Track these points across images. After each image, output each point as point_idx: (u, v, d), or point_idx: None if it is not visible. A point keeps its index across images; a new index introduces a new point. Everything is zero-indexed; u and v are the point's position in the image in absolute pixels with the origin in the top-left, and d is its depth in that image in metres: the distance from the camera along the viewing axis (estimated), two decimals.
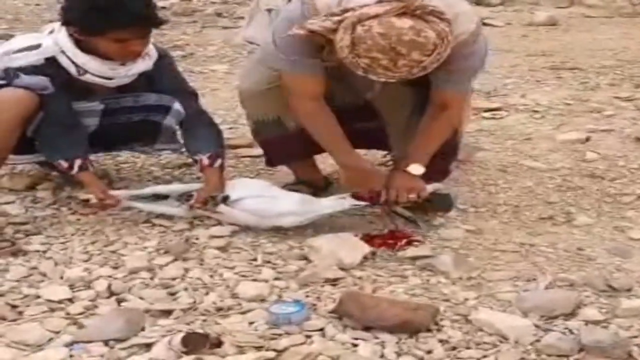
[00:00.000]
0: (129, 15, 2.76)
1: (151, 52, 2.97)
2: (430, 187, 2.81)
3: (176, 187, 3.04)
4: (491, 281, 2.46)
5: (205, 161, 2.93)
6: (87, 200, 2.90)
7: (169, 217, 2.90)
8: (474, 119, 4.10)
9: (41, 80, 2.82)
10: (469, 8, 2.71)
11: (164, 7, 8.03)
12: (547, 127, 4.27)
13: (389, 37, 2.37)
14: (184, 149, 3.19)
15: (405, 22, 2.39)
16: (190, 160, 3.32)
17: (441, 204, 2.90)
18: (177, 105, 3.02)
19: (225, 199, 2.82)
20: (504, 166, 3.58)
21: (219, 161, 2.94)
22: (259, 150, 3.49)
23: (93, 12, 2.76)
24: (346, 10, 2.46)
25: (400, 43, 2.38)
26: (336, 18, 2.45)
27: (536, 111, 4.58)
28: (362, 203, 2.79)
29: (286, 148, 3.06)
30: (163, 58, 3.05)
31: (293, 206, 2.79)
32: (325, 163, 3.35)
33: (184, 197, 2.91)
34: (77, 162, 2.89)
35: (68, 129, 2.91)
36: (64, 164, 2.90)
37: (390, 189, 2.75)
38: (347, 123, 2.85)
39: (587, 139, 3.98)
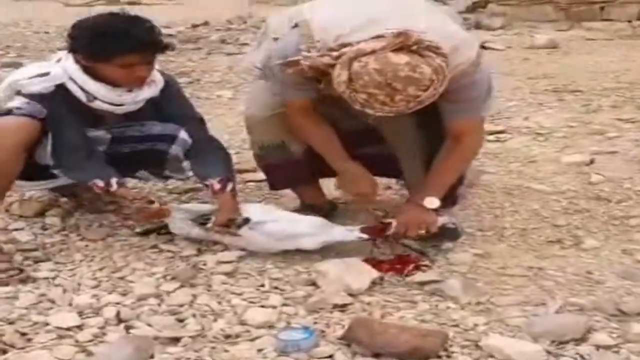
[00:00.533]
0: (133, 41, 2.75)
1: (157, 78, 2.95)
2: (440, 221, 2.79)
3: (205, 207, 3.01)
4: (500, 306, 2.42)
5: (217, 185, 2.90)
6: (152, 202, 2.84)
7: (176, 243, 2.87)
8: None
9: (35, 106, 2.80)
10: (468, 36, 2.69)
11: (170, 35, 8.08)
12: (551, 149, 4.24)
13: (384, 73, 2.36)
14: (190, 175, 3.16)
15: (402, 58, 2.38)
16: (197, 185, 3.30)
17: (448, 237, 2.86)
18: (183, 134, 2.99)
19: (247, 221, 2.77)
20: (509, 189, 3.54)
21: (230, 185, 2.91)
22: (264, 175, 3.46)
23: (98, 39, 2.75)
24: (344, 46, 2.46)
25: (396, 79, 2.36)
26: (334, 54, 2.45)
27: (539, 134, 4.56)
28: (365, 236, 2.75)
29: (291, 172, 3.05)
30: (170, 85, 3.03)
31: (311, 228, 2.77)
32: (331, 187, 3.33)
33: (199, 220, 2.88)
34: (114, 179, 2.87)
35: (90, 153, 2.90)
36: (100, 183, 2.86)
37: (400, 222, 2.73)
38: (356, 147, 2.84)
39: (592, 162, 3.95)
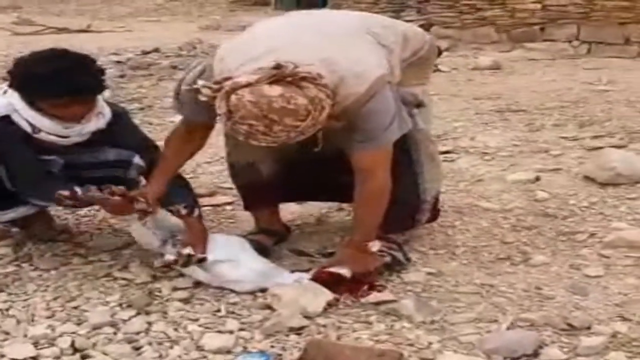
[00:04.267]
0: (65, 85, 2.71)
1: (104, 110, 2.91)
2: (383, 261, 2.80)
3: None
4: (454, 324, 2.43)
5: (183, 211, 2.87)
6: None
7: (131, 270, 2.83)
8: None
9: None
10: (362, 70, 2.58)
11: (119, 62, 8.00)
12: (497, 168, 4.27)
13: (259, 105, 2.35)
14: None
15: (276, 90, 2.37)
16: None
17: (391, 269, 2.84)
18: (137, 159, 2.97)
19: (203, 260, 2.72)
20: (459, 208, 3.56)
21: (197, 211, 2.90)
22: (219, 200, 3.45)
23: (31, 82, 2.74)
24: (226, 79, 2.45)
25: (272, 111, 2.36)
26: (215, 87, 2.45)
27: (486, 153, 4.58)
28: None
29: (259, 194, 3.07)
30: (118, 116, 2.99)
31: (254, 276, 2.70)
32: (286, 210, 3.32)
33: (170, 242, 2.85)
34: (77, 188, 2.78)
35: (46, 174, 2.84)
36: (65, 192, 2.77)
37: (355, 272, 2.68)
38: (330, 176, 2.90)
39: (537, 179, 3.99)
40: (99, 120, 2.88)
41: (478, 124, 5.40)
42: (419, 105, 2.92)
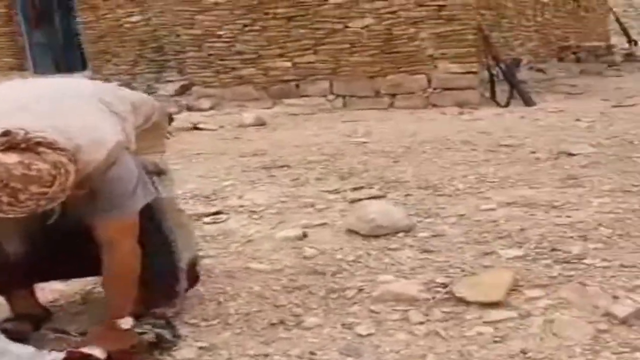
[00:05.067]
0: None
1: None
2: (146, 338, 2.60)
3: None
4: None
5: None
6: None
7: None
8: (196, 225, 3.96)
9: None
10: (99, 136, 2.42)
11: None
12: (266, 226, 4.17)
13: None
14: None
15: (12, 157, 2.17)
16: None
17: (161, 347, 2.65)
18: None
19: None
20: (231, 272, 3.40)
21: None
22: None
23: None
24: None
25: (13, 179, 2.14)
26: None
27: (254, 211, 4.49)
28: None
29: (8, 277, 2.75)
30: None
31: None
32: (47, 290, 3.03)
33: None
34: None
35: None
36: None
37: (109, 354, 2.46)
38: (83, 249, 2.63)
39: (305, 235, 3.92)
40: None
41: (246, 182, 5.33)
42: (160, 173, 2.82)
